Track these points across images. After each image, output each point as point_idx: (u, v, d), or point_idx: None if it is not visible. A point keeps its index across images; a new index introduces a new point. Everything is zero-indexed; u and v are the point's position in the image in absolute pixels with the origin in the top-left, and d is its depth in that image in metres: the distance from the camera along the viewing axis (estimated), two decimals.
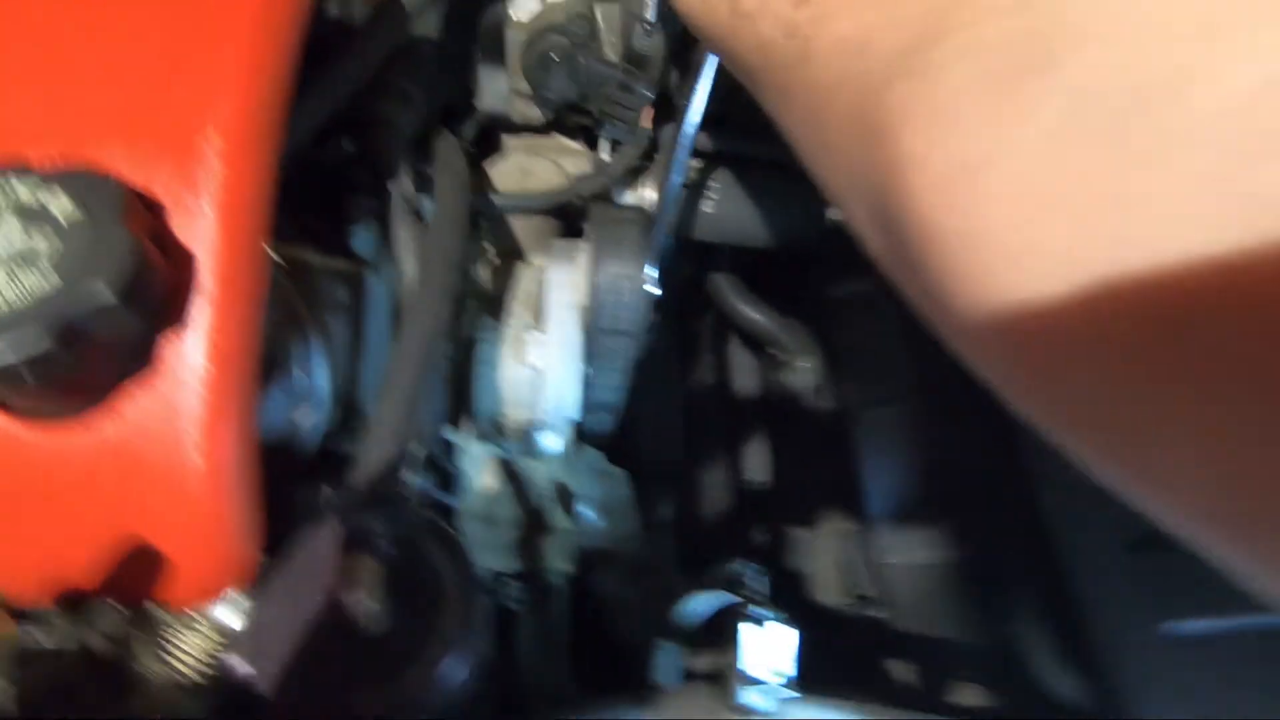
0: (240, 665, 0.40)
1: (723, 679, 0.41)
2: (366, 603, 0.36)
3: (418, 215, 0.52)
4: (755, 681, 0.40)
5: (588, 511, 0.71)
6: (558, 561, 0.73)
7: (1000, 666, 0.55)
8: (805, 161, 0.26)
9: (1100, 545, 0.45)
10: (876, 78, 0.20)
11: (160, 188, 0.34)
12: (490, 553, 0.74)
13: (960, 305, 0.20)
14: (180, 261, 0.33)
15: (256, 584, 0.43)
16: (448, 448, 0.59)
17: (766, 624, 0.40)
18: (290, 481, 0.49)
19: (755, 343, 0.93)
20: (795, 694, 0.39)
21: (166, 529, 0.35)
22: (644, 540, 0.77)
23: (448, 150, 0.55)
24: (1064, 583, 0.46)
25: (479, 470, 0.72)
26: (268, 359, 0.48)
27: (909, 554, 0.65)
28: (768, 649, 0.40)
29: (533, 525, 0.74)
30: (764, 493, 0.92)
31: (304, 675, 0.39)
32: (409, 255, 0.50)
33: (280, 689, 0.38)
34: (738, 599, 0.42)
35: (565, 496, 0.73)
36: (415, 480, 0.55)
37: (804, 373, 0.91)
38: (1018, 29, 0.16)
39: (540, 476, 0.75)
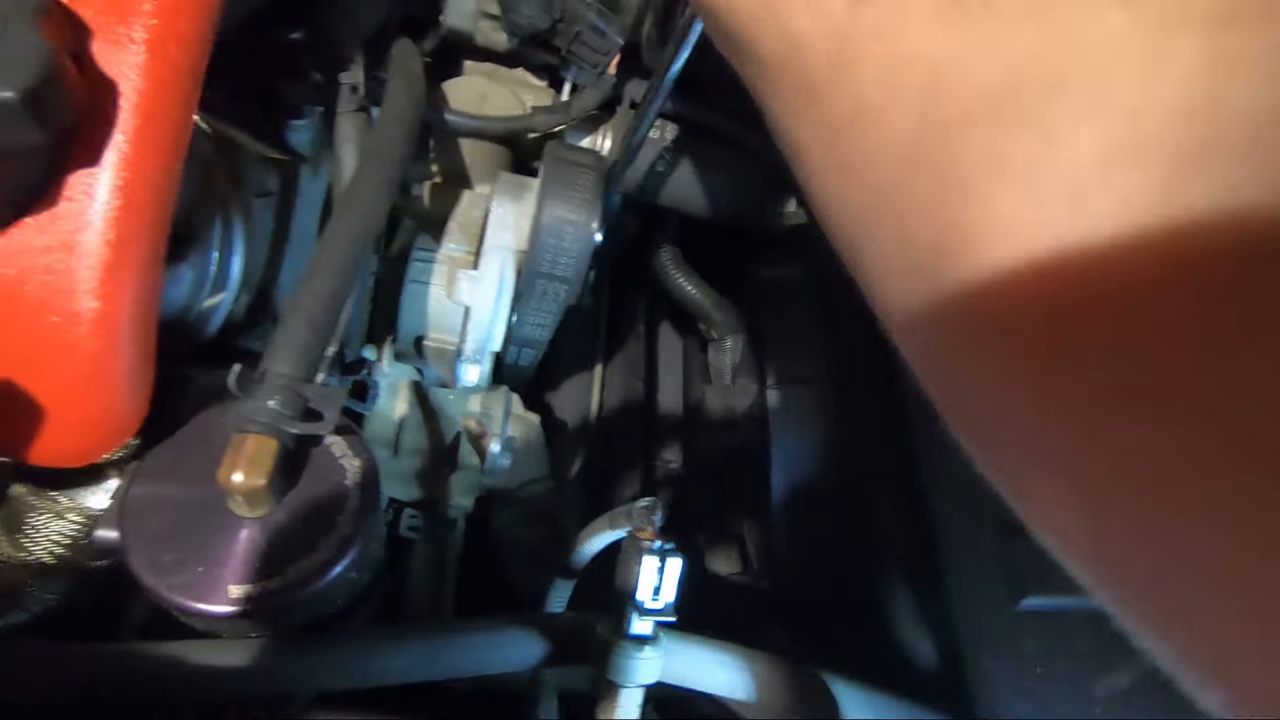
0: (107, 536, 0.38)
1: (616, 608, 0.42)
2: (257, 484, 0.35)
3: (365, 111, 0.50)
4: (648, 612, 0.41)
5: (497, 451, 0.70)
6: (459, 497, 0.72)
7: (869, 635, 0.59)
8: (803, 169, 0.22)
9: (970, 524, 0.49)
10: (955, 112, 0.16)
11: (90, 11, 0.31)
12: (391, 480, 0.72)
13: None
14: (99, 88, 0.30)
15: (139, 460, 0.40)
16: (366, 364, 0.57)
17: (658, 555, 0.41)
18: (186, 363, 0.46)
19: (685, 315, 0.94)
20: (673, 619, 0.40)
21: (48, 375, 0.32)
22: (550, 489, 0.77)
23: (405, 54, 0.53)
24: (934, 557, 0.50)
25: (391, 394, 0.70)
26: (184, 231, 0.46)
27: (800, 527, 0.68)
28: (658, 578, 0.41)
29: (439, 457, 0.73)
30: (676, 463, 0.93)
31: (179, 555, 0.37)
32: (350, 150, 0.48)
33: (151, 566, 0.36)
34: (632, 534, 0.43)
35: (477, 433, 0.72)
36: (328, 380, 0.53)
37: (729, 351, 0.94)
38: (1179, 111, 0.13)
39: (453, 409, 0.74)
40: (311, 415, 0.38)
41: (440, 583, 0.71)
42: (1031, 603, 0.47)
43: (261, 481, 0.35)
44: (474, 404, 0.73)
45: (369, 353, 0.65)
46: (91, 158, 0.31)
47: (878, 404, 0.64)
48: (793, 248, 0.82)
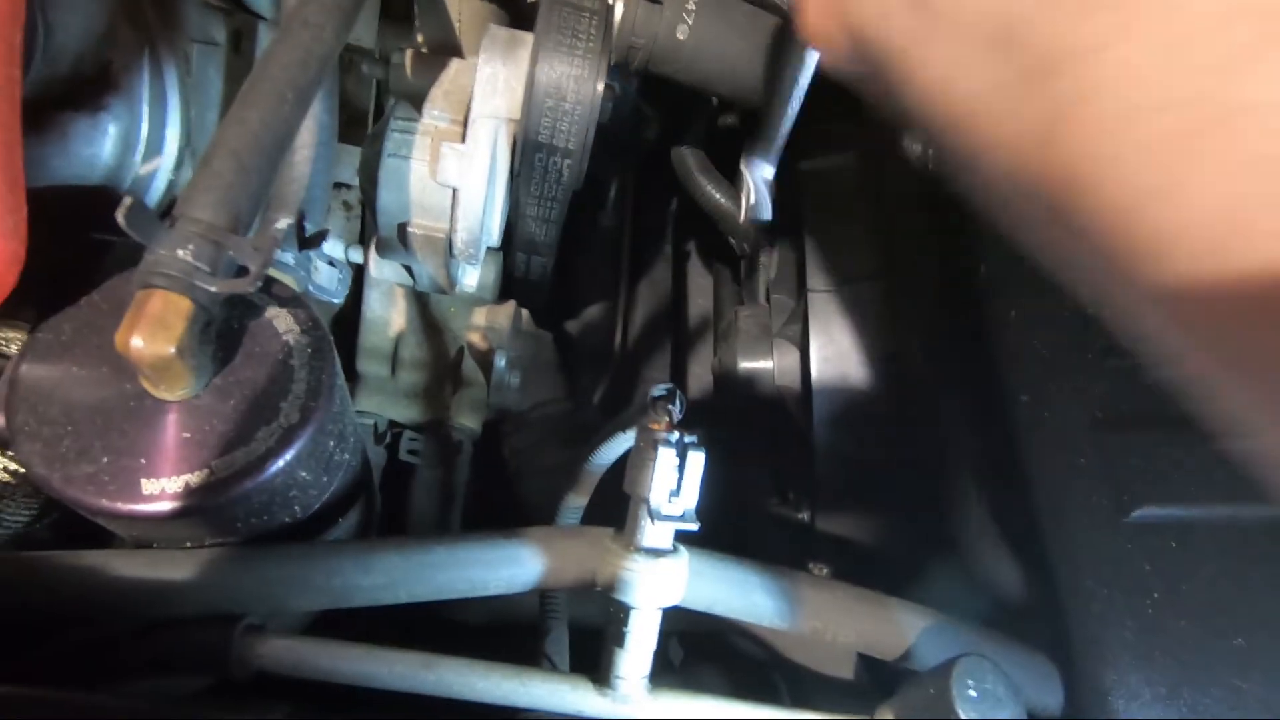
0: None
1: (627, 517, 0.35)
2: (164, 351, 0.28)
3: None
4: (665, 518, 0.33)
5: (503, 367, 0.63)
6: (465, 418, 0.65)
7: (934, 561, 0.50)
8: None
9: (1064, 421, 0.40)
10: None
11: None
12: (388, 399, 0.65)
13: None
14: None
15: (31, 337, 0.34)
16: (326, 235, 0.49)
17: (676, 448, 0.33)
18: (106, 230, 0.39)
19: (715, 229, 0.84)
20: (694, 526, 0.33)
21: None
22: (567, 411, 0.69)
23: None
24: (1019, 463, 0.41)
25: (386, 301, 0.63)
26: (101, 73, 0.38)
27: (847, 448, 0.60)
28: (676, 476, 0.33)
29: (440, 374, 0.66)
30: (706, 389, 0.85)
31: (80, 443, 0.30)
32: None
33: (44, 455, 0.30)
34: (645, 427, 0.35)
35: (482, 349, 0.64)
36: (285, 258, 0.46)
37: (762, 267, 0.85)
38: None
39: (456, 323, 0.67)
40: (237, 272, 0.30)
41: (446, 511, 0.65)
42: (1146, 513, 0.37)
43: (169, 349, 0.28)
44: (479, 317, 0.65)
45: (355, 254, 0.57)
46: None
47: (940, 299, 0.55)
48: (831, 139, 0.71)
